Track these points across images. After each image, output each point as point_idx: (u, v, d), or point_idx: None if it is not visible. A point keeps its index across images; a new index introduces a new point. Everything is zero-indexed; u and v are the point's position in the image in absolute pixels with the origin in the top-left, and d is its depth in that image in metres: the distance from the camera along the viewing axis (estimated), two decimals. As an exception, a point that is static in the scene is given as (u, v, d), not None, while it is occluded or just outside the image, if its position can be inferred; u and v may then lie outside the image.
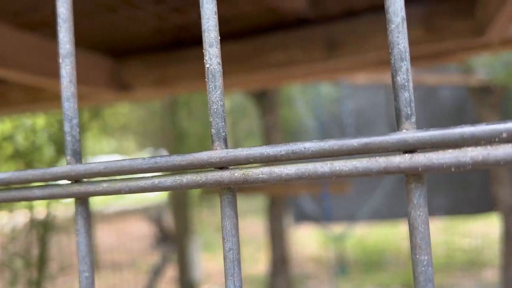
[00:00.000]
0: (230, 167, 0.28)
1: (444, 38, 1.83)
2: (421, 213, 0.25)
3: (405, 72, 0.25)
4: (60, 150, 3.14)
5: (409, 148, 0.25)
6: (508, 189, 4.75)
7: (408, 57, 0.25)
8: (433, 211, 5.66)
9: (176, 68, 2.12)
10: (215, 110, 0.28)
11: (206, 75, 0.29)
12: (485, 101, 4.93)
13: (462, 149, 0.24)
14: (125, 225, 7.59)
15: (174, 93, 2.55)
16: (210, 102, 0.28)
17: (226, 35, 2.04)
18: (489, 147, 0.23)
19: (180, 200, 4.33)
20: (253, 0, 1.70)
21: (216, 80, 0.28)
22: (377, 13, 1.88)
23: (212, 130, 0.28)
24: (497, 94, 4.90)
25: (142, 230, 8.42)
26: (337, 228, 5.44)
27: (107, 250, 6.99)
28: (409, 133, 0.24)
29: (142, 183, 0.29)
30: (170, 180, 0.29)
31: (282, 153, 0.27)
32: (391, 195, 5.51)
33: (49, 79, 1.81)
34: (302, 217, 5.61)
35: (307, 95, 5.41)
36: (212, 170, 0.28)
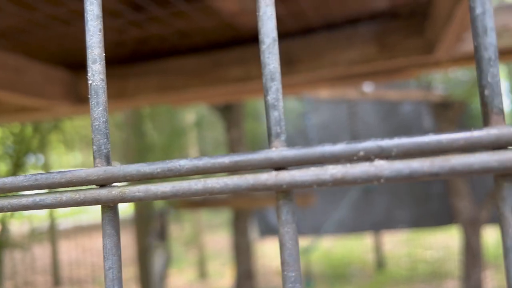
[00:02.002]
0: (110, 185, 0.28)
1: (397, 55, 1.88)
2: (289, 230, 0.25)
3: (275, 92, 0.26)
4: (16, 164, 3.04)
5: (276, 166, 0.25)
6: (467, 201, 4.89)
7: (278, 77, 0.26)
8: (396, 224, 5.76)
9: (135, 81, 2.10)
10: (97, 126, 0.28)
11: (89, 91, 0.29)
12: (444, 116, 5.09)
13: (324, 167, 0.24)
14: (87, 240, 7.40)
15: (134, 106, 2.53)
16: (92, 119, 0.28)
17: (186, 49, 2.05)
18: (348, 165, 0.24)
19: (144, 214, 4.27)
20: (211, 16, 1.71)
21: (99, 96, 0.28)
22: (333, 30, 1.92)
23: (94, 147, 0.28)
24: (455, 109, 5.06)
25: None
26: (303, 241, 5.46)
27: (69, 265, 6.79)
28: (274, 152, 0.25)
29: (23, 200, 0.29)
30: (50, 198, 0.28)
31: (158, 170, 0.27)
32: (356, 208, 5.58)
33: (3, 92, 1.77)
34: (268, 230, 5.61)
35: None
36: (91, 188, 0.28)
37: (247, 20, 1.77)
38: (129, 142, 4.69)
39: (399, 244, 6.91)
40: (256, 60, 1.96)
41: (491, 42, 0.23)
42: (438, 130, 5.09)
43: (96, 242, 7.76)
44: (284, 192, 0.25)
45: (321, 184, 0.24)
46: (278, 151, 0.25)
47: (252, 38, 1.96)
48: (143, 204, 4.25)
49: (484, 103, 0.23)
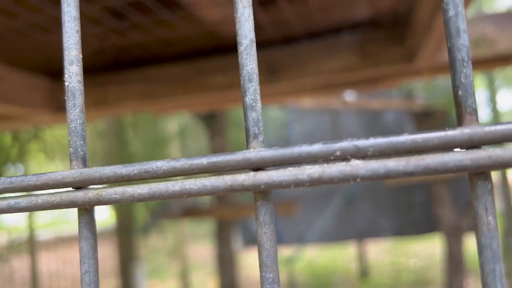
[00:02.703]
0: (86, 188, 0.28)
1: (378, 64, 1.91)
2: (267, 231, 0.25)
3: (252, 93, 0.26)
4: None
5: (254, 166, 0.25)
6: (449, 210, 4.95)
7: (256, 79, 0.26)
8: (380, 233, 5.80)
9: (117, 89, 2.09)
10: (73, 128, 0.28)
11: (65, 93, 0.28)
12: (426, 125, 5.16)
13: (301, 167, 0.24)
14: (68, 252, 7.26)
15: (115, 113, 2.51)
16: (69, 120, 0.28)
17: (169, 57, 2.04)
18: (325, 165, 0.24)
19: (125, 225, 4.21)
20: (194, 24, 1.71)
21: (76, 98, 0.28)
22: (315, 40, 1.94)
23: (70, 149, 0.28)
24: (437, 118, 5.13)
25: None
26: (287, 251, 5.44)
27: (49, 277, 6.65)
28: (252, 152, 0.25)
29: (-4, 204, 0.28)
30: (25, 201, 0.28)
31: (135, 172, 0.26)
32: (339, 217, 5.60)
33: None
34: (252, 240, 5.59)
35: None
36: (68, 191, 0.28)
37: (230, 29, 1.78)
38: (111, 151, 4.64)
39: (383, 252, 6.95)
40: (239, 69, 1.96)
41: (463, 43, 0.23)
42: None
43: (77, 253, 7.63)
44: (262, 193, 0.25)
45: (298, 184, 0.24)
46: (256, 152, 0.25)
47: (235, 46, 1.97)
48: (125, 215, 4.20)
49: (458, 103, 0.24)
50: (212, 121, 4.53)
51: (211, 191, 0.25)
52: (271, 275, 0.24)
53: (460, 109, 0.24)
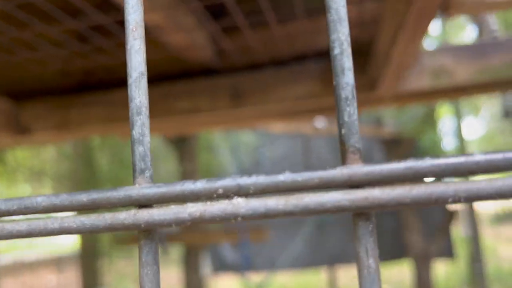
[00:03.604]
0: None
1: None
2: (149, 272, 0.24)
3: (140, 126, 0.25)
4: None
5: (138, 203, 0.24)
6: (418, 236, 4.99)
7: (145, 112, 0.25)
8: (351, 259, 5.79)
9: (79, 112, 2.05)
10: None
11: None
12: (395, 152, 5.24)
13: (184, 205, 0.23)
14: (32, 278, 6.99)
15: (77, 137, 2.46)
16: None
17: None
18: (208, 203, 0.23)
19: (88, 250, 4.09)
20: (159, 49, 1.71)
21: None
22: (280, 67, 1.96)
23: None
24: (405, 145, 5.22)
25: (52, 282, 7.79)
26: (257, 277, 5.38)
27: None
28: (135, 189, 0.24)
29: None
30: None
31: (15, 208, 0.25)
32: (310, 242, 5.58)
33: None
34: (222, 266, 5.50)
35: (228, 142, 5.47)
36: None
37: (195, 55, 1.78)
38: (77, 174, 4.55)
39: (354, 279, 6.93)
40: (204, 93, 1.96)
41: (348, 81, 0.23)
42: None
43: (44, 279, 7.36)
44: (146, 232, 0.24)
45: (180, 222, 0.23)
46: (138, 189, 0.24)
47: (200, 71, 1.97)
48: (89, 241, 4.09)
49: (342, 142, 0.23)
50: (182, 145, 4.50)
51: (90, 229, 0.24)
52: (151, 320, 0.23)
53: (343, 148, 0.23)
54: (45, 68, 1.88)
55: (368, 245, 0.22)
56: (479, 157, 0.20)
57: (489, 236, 8.92)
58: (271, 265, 5.36)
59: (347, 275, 6.66)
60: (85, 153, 4.21)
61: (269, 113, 2.10)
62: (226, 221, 0.23)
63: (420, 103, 2.65)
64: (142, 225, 0.23)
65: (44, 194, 0.25)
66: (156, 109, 2.00)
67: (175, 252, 6.50)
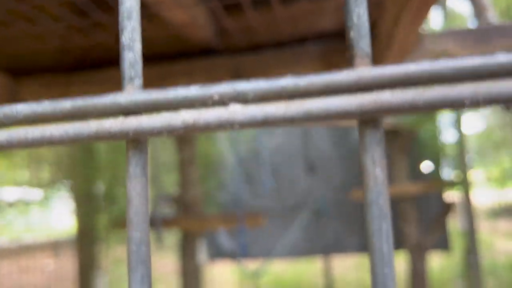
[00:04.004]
0: None
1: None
2: (137, 185, 0.22)
3: (130, 32, 0.23)
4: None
5: (126, 111, 0.22)
6: (414, 227, 4.99)
7: (136, 17, 0.23)
8: (346, 249, 5.80)
9: (78, 90, 2.03)
10: None
11: None
12: (394, 143, 5.22)
13: (176, 112, 0.22)
14: (30, 261, 7.01)
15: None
16: None
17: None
18: (202, 110, 0.21)
19: (85, 234, 4.09)
20: (159, 26, 1.68)
21: None
22: (281, 48, 1.94)
23: None
24: (404, 137, 5.21)
25: (49, 266, 7.81)
26: (253, 265, 5.38)
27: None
28: (123, 95, 0.22)
29: None
30: None
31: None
32: (307, 231, 5.59)
33: None
34: (218, 253, 5.50)
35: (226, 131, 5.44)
36: None
37: (195, 33, 1.75)
38: (75, 159, 4.53)
39: (349, 268, 6.96)
40: (204, 73, 1.94)
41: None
42: (388, 157, 5.20)
43: (41, 262, 7.38)
44: (134, 141, 0.22)
45: (172, 130, 0.21)
46: (127, 95, 0.22)
47: (200, 51, 1.95)
48: (85, 224, 4.08)
49: (350, 46, 0.21)
50: (181, 131, 4.47)
51: (74, 138, 0.22)
52: (139, 235, 0.21)
53: (351, 52, 0.21)
54: (43, 45, 1.86)
55: (375, 154, 0.20)
56: (502, 58, 0.18)
57: (485, 230, 8.95)
58: (267, 253, 5.37)
59: (342, 264, 6.68)
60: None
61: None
62: (222, 129, 0.21)
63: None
64: (130, 134, 0.21)
65: (24, 102, 0.23)
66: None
67: (171, 239, 6.51)
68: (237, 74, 1.96)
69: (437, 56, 1.90)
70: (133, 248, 0.21)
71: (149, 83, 1.98)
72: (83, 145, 4.45)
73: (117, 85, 1.99)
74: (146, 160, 0.22)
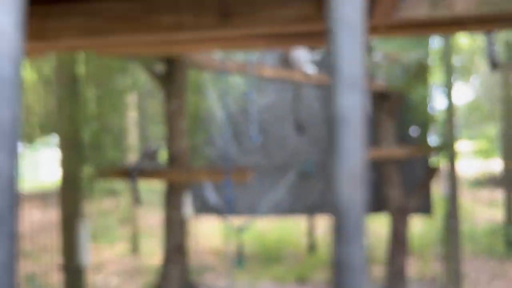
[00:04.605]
0: None
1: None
2: None
3: None
4: None
5: None
6: (397, 190, 5.03)
7: None
8: (330, 210, 5.87)
9: (58, 22, 1.94)
10: None
11: None
12: (383, 106, 5.20)
13: None
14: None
15: (55, 48, 2.36)
16: None
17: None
18: None
19: (69, 182, 4.06)
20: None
21: None
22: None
23: None
24: (393, 101, 5.17)
25: (36, 216, 7.84)
26: (238, 221, 5.44)
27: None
28: None
29: None
30: None
31: None
32: (292, 190, 5.63)
33: None
34: (205, 208, 5.54)
35: (216, 85, 5.37)
36: None
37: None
38: (63, 108, 4.44)
39: (331, 228, 7.07)
40: (191, 9, 1.87)
41: None
42: (377, 120, 5.18)
43: (28, 213, 7.40)
44: None
45: None
46: None
47: (188, -15, 1.87)
48: (70, 173, 4.05)
49: None
50: (169, 82, 4.40)
51: None
52: None
53: None
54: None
55: None
56: None
57: (467, 198, 9.11)
58: (252, 210, 5.41)
59: (325, 224, 6.78)
60: (69, 83, 4.08)
61: (257, 34, 2.02)
62: None
63: (415, 34, 2.59)
64: None
65: None
66: (137, 23, 1.91)
67: (157, 194, 6.53)
68: (225, 12, 1.90)
69: (433, 0, 1.84)
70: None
71: (134, 17, 1.91)
72: (70, 92, 4.36)
73: (97, 18, 1.91)
74: None
